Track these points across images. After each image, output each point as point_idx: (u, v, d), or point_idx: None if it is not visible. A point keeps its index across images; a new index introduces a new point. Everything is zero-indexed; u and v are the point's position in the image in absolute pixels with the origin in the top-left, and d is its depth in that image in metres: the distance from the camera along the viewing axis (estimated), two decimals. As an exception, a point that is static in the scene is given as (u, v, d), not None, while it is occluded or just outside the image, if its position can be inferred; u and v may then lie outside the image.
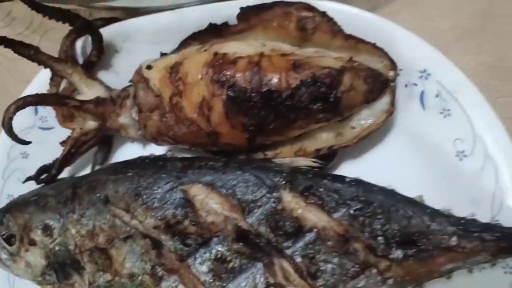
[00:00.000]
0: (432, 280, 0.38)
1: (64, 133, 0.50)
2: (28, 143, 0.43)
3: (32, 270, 0.46)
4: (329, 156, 0.42)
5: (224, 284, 0.39)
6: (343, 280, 0.38)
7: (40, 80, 0.51)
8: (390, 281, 0.38)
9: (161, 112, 0.42)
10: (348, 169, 0.42)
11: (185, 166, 0.42)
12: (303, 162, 0.41)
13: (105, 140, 0.51)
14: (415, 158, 0.41)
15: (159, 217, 0.40)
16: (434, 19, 0.41)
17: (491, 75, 0.41)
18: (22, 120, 0.51)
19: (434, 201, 0.39)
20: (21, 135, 0.50)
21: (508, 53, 0.41)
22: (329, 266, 0.38)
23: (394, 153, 0.41)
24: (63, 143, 0.50)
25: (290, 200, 0.38)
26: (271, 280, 0.38)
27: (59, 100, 0.42)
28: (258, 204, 0.39)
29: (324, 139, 0.42)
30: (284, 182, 0.39)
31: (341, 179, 0.40)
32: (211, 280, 0.39)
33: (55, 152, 0.50)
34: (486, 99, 0.40)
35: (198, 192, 0.40)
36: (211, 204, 0.40)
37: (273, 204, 0.38)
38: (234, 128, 0.39)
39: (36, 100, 0.41)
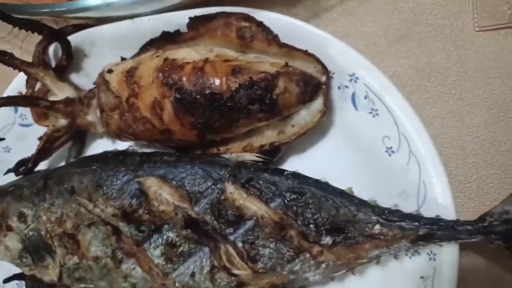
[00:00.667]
0: (362, 265, 0.42)
1: (42, 129, 0.54)
2: (2, 139, 0.48)
3: (10, 253, 0.51)
4: (274, 152, 0.46)
5: (176, 267, 0.44)
6: (280, 264, 0.42)
7: (20, 80, 0.56)
8: (323, 265, 0.42)
9: (120, 112, 0.46)
10: (291, 163, 0.46)
11: (142, 161, 0.46)
12: (249, 157, 0.45)
13: (79, 136, 0.56)
14: (350, 154, 0.44)
15: (117, 206, 0.44)
16: (369, 25, 0.44)
17: (421, 77, 0.44)
18: (4, 117, 0.56)
19: (366, 194, 0.42)
20: (3, 132, 0.57)
21: (435, 57, 0.44)
22: (267, 250, 0.42)
23: (331, 149, 0.45)
24: (40, 138, 0.55)
25: (232, 191, 0.43)
26: (216, 263, 0.43)
27: (30, 101, 0.47)
28: (204, 194, 0.43)
29: (269, 136, 0.46)
30: (228, 175, 0.43)
31: (280, 172, 0.44)
32: (163, 263, 0.44)
33: (35, 146, 0.54)
34: (418, 99, 0.44)
35: (152, 184, 0.44)
36: (163, 195, 0.44)
37: (217, 195, 0.42)
38: (183, 126, 0.44)
39: (8, 102, 0.45)
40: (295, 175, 0.43)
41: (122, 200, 0.44)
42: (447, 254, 0.39)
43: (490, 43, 0.42)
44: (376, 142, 0.42)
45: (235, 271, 0.43)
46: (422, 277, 0.41)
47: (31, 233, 0.48)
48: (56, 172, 0.49)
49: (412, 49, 0.44)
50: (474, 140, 0.43)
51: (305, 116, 0.44)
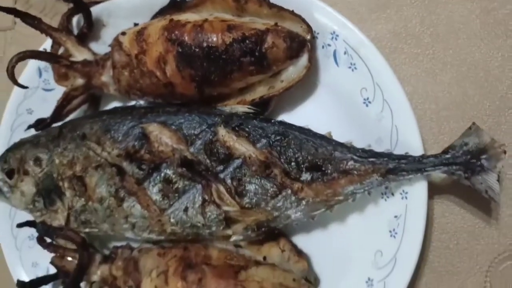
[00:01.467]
0: (340, 203, 0.45)
1: (61, 93, 0.61)
2: (25, 87, 0.54)
3: (25, 198, 0.56)
4: (264, 105, 0.51)
5: (171, 203, 0.48)
6: (264, 199, 0.46)
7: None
8: (304, 202, 0.46)
9: (130, 69, 0.52)
10: (280, 116, 0.51)
11: (147, 112, 0.52)
12: (241, 108, 0.50)
13: (94, 99, 0.62)
14: (331, 107, 0.49)
15: (122, 148, 0.50)
16: (352, -6, 0.50)
17: (398, 40, 0.49)
18: (29, 81, 0.63)
19: (345, 141, 0.47)
20: (28, 94, 0.63)
21: (411, 22, 0.49)
22: (253, 186, 0.46)
23: (315, 103, 0.50)
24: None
25: (224, 134, 0.47)
26: (207, 198, 0.47)
27: (53, 57, 0.53)
28: (199, 137, 0.48)
29: (260, 91, 0.51)
30: (221, 121, 0.48)
31: (268, 120, 0.49)
32: (160, 199, 0.49)
33: None
34: (395, 60, 0.49)
35: (154, 129, 0.50)
36: (163, 138, 0.49)
37: (210, 137, 0.47)
38: (184, 79, 0.49)
39: (33, 54, 0.52)
40: (281, 122, 0.48)
41: (126, 143, 0.50)
42: (417, 191, 0.43)
43: (459, 8, 0.47)
44: (355, 94, 0.47)
45: (225, 208, 0.47)
46: (395, 216, 0.45)
47: (44, 176, 0.54)
48: (70, 122, 0.55)
49: (390, 16, 0.50)
50: (446, 96, 0.48)
51: (292, 72, 0.49)
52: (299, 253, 0.50)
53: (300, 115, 0.50)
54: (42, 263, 0.61)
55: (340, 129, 0.47)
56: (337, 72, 0.48)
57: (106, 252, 0.58)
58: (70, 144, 0.52)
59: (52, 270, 0.59)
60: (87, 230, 0.55)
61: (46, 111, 0.61)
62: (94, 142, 0.51)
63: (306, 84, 0.49)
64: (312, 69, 0.48)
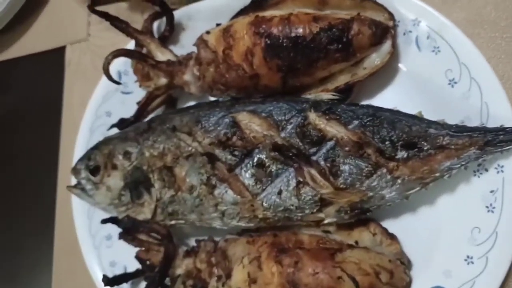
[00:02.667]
0: (436, 180, 0.46)
1: (140, 96, 0.64)
2: (119, 83, 0.57)
3: (111, 193, 0.58)
4: (347, 92, 0.53)
5: (264, 187, 0.50)
6: (359, 179, 0.47)
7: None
8: (399, 181, 0.46)
9: (215, 64, 0.55)
10: (363, 103, 0.53)
11: (233, 103, 0.54)
12: (325, 96, 0.52)
13: (171, 100, 0.65)
14: (416, 91, 0.51)
15: (214, 137, 0.52)
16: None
17: (474, 26, 0.51)
18: (109, 85, 0.66)
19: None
20: (107, 97, 0.67)
21: (485, 8, 0.51)
22: (347, 167, 0.47)
23: (399, 89, 0.52)
24: (139, 103, 0.65)
25: (314, 118, 0.49)
26: (300, 179, 0.48)
27: (142, 56, 0.57)
28: (290, 122, 0.50)
29: (342, 79, 0.53)
30: (309, 106, 0.50)
31: (355, 104, 0.51)
32: (253, 184, 0.50)
33: (132, 112, 0.64)
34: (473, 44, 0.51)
35: (243, 118, 0.52)
36: (253, 126, 0.51)
37: (301, 121, 0.49)
38: (270, 69, 0.52)
39: (127, 53, 0.56)
40: (369, 106, 0.50)
41: (218, 132, 0.52)
42: (514, 162, 0.43)
43: (532, -7, 0.50)
44: (439, 77, 0.49)
45: (318, 189, 0.48)
46: (492, 191, 0.45)
47: (133, 169, 0.56)
48: (158, 117, 0.58)
49: (464, 5, 0.52)
50: (526, 75, 0.49)
51: (376, 58, 0.51)
52: (391, 236, 0.50)
53: (383, 101, 0.52)
54: (119, 262, 0.63)
55: (425, 112, 0.49)
56: (419, 57, 0.50)
57: (186, 248, 0.59)
58: (160, 137, 0.55)
59: (129, 270, 0.61)
60: (173, 222, 0.56)
61: (124, 114, 0.65)
62: (185, 133, 0.53)
63: (389, 70, 0.51)
64: (395, 55, 0.51)
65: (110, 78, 0.55)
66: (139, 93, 0.63)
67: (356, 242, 0.50)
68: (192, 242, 0.59)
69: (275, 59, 0.51)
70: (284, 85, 0.54)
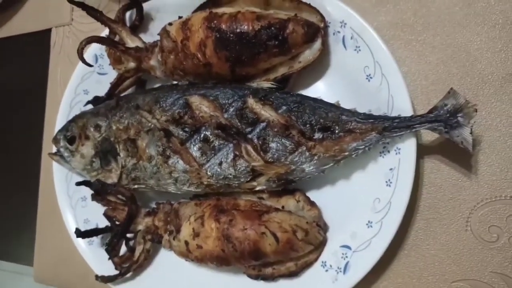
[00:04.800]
0: (345, 158, 0.56)
1: (113, 77, 0.73)
2: (90, 65, 0.66)
3: (84, 160, 0.68)
4: (285, 82, 0.62)
5: (208, 159, 0.60)
6: (284, 155, 0.57)
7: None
8: (316, 158, 0.56)
9: (175, 53, 0.64)
10: (297, 91, 0.62)
11: (189, 87, 0.64)
12: (266, 84, 0.61)
13: (141, 82, 0.74)
14: (340, 82, 0.60)
15: (170, 115, 0.61)
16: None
17: (396, 29, 0.60)
18: (86, 67, 0.75)
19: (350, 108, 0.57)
20: (85, 77, 0.76)
21: (406, 14, 0.60)
22: (275, 144, 0.57)
23: (327, 81, 0.61)
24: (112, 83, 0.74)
25: (252, 103, 0.59)
26: (238, 154, 0.58)
27: (113, 43, 0.65)
28: (232, 105, 0.59)
29: (281, 71, 0.62)
30: (249, 92, 0.59)
31: (287, 93, 0.60)
32: (200, 156, 0.60)
33: (106, 90, 0.73)
34: (393, 45, 0.59)
35: (195, 100, 0.61)
36: (203, 107, 0.60)
37: (241, 105, 0.59)
38: (220, 59, 0.60)
39: (99, 39, 0.65)
40: (298, 95, 0.59)
41: (173, 111, 0.61)
42: (407, 146, 0.53)
43: (446, 1, 0.58)
44: (359, 72, 0.58)
45: (252, 163, 0.57)
46: (391, 169, 0.55)
47: (103, 140, 0.65)
48: (125, 96, 0.67)
49: (389, 9, 0.61)
50: (434, 74, 0.58)
51: (308, 54, 0.60)
52: (312, 203, 0.60)
53: (314, 90, 0.61)
54: (92, 220, 0.73)
55: (346, 100, 0.58)
56: (345, 54, 0.59)
57: (147, 209, 0.69)
58: (126, 113, 0.64)
59: (101, 226, 0.71)
60: (136, 186, 0.66)
61: (99, 92, 0.74)
62: (146, 111, 0.63)
63: (319, 64, 0.60)
64: (325, 51, 0.60)
65: (83, 60, 0.64)
66: (113, 75, 0.73)
67: (283, 207, 0.60)
68: (153, 205, 0.70)
69: (224, 50, 0.60)
70: (232, 73, 0.63)
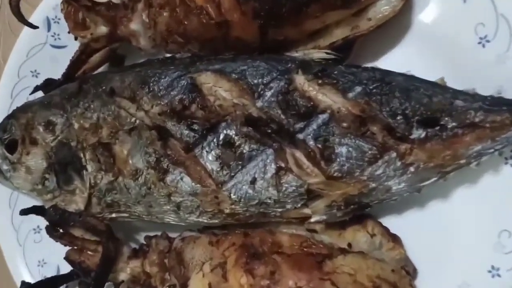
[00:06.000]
0: (459, 168, 0.35)
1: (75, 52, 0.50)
2: (36, 27, 0.43)
3: (32, 176, 0.45)
4: (346, 50, 0.40)
5: (233, 173, 0.37)
6: (360, 166, 0.35)
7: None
8: (412, 168, 0.35)
9: (171, 8, 0.41)
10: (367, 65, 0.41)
11: (194, 60, 0.41)
12: (317, 54, 0.39)
13: (116, 59, 0.51)
14: (436, 50, 0.39)
15: (166, 104, 0.39)
16: None
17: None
18: (34, 36, 0.52)
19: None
20: (32, 52, 0.52)
21: None
22: (344, 149, 0.35)
23: (412, 47, 0.40)
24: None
25: (302, 82, 0.37)
26: (282, 165, 0.36)
27: (70, -7, 0.42)
28: (269, 86, 0.37)
29: (340, 33, 0.41)
30: (296, 66, 0.38)
31: (357, 66, 0.38)
32: (218, 169, 0.38)
33: None
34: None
35: (207, 80, 0.39)
36: (220, 90, 0.38)
37: (285, 86, 0.37)
38: (244, 15, 0.38)
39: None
40: (375, 69, 0.38)
41: (171, 98, 0.39)
42: None
43: None
44: (467, 33, 0.37)
45: (308, 180, 0.36)
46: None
47: (59, 145, 0.42)
48: (93, 76, 0.44)
49: None
50: None
51: (384, 6, 0.38)
52: (393, 238, 0.40)
53: (393, 63, 0.39)
54: (51, 261, 0.51)
55: (448, 79, 0.37)
56: (441, 5, 0.38)
57: (134, 245, 0.47)
58: (94, 102, 0.41)
59: (64, 270, 0.49)
60: (113, 215, 0.44)
61: (55, 74, 0.51)
62: (126, 98, 0.40)
63: (401, 23, 0.39)
64: (408, 3, 0.39)
65: (21, 19, 0.41)
66: (75, 47, 0.49)
67: (350, 245, 0.39)
68: (141, 238, 0.47)
69: (251, 0, 0.38)
70: (263, 38, 0.41)
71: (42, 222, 0.51)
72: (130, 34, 0.46)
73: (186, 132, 0.38)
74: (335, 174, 0.36)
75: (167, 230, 0.45)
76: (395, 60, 0.41)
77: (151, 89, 0.39)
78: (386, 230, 0.40)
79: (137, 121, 0.39)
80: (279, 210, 0.37)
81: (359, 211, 0.38)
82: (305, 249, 0.39)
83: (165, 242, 0.46)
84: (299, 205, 0.37)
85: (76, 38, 0.50)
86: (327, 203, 0.37)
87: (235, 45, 0.42)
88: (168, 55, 0.46)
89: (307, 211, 0.38)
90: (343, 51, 0.41)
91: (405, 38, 0.40)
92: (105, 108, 0.40)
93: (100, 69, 0.51)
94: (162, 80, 0.39)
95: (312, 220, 0.37)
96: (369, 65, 0.41)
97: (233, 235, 0.41)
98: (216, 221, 0.40)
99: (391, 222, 0.41)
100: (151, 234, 0.46)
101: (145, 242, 0.47)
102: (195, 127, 0.37)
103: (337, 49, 0.40)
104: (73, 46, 0.50)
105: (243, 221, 0.40)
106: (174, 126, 0.38)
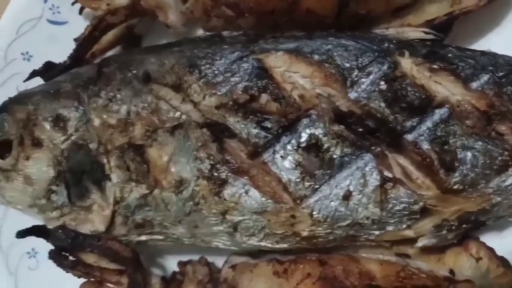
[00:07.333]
0: None
1: (78, 29, 0.39)
2: None
3: (32, 188, 0.34)
4: (443, 30, 0.33)
5: (317, 185, 0.29)
6: (486, 176, 0.28)
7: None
8: (550, 179, 0.28)
9: (220, -30, 0.32)
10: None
11: (253, 39, 0.31)
12: (413, 33, 0.31)
13: (133, 40, 0.41)
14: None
15: (225, 93, 0.29)
16: None
17: None
18: (27, 7, 0.41)
19: None
20: (24, 28, 0.41)
21: None
22: (469, 154, 0.27)
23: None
24: (78, 39, 0.40)
25: (410, 66, 0.28)
26: (388, 174, 0.28)
27: None
28: (366, 71, 0.28)
29: (434, 11, 0.33)
30: (396, 47, 0.29)
31: (469, 49, 0.30)
32: (298, 180, 0.29)
33: (67, 53, 0.39)
34: None
35: (277, 63, 0.30)
36: (296, 77, 0.29)
37: (388, 71, 0.28)
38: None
39: None
40: (494, 53, 0.30)
41: (232, 85, 0.29)
42: None
43: None
44: None
45: (419, 192, 0.28)
46: None
47: (72, 147, 0.32)
48: (115, 58, 0.34)
49: None
50: None
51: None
52: (503, 262, 0.32)
53: (504, 41, 0.32)
54: None
55: None
56: None
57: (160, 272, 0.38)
58: (121, 91, 0.31)
59: None
60: (143, 238, 0.34)
61: (53, 57, 0.40)
62: (168, 86, 0.30)
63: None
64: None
65: None
66: (78, 24, 0.39)
67: (452, 272, 0.32)
68: (171, 264, 0.38)
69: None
70: (341, 12, 0.32)
71: (37, 243, 0.41)
72: (156, 6, 0.36)
73: (255, 131, 0.28)
74: (455, 187, 0.28)
75: (200, 252, 0.37)
76: (504, 43, 0.33)
77: (202, 73, 0.29)
78: (492, 252, 0.33)
79: (183, 116, 0.30)
80: (376, 232, 0.29)
81: (472, 231, 0.31)
82: (404, 281, 0.31)
83: (204, 270, 0.37)
84: (404, 226, 0.29)
85: (81, 12, 0.40)
86: (437, 222, 0.29)
87: (302, 21, 0.33)
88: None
89: (408, 232, 0.30)
90: (440, 29, 0.33)
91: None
92: (138, 98, 0.30)
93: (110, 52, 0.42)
94: (217, 62, 0.29)
95: (419, 244, 0.30)
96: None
97: (305, 262, 0.32)
98: (285, 245, 0.31)
99: (496, 242, 0.33)
100: (183, 258, 0.37)
101: (178, 270, 0.38)
102: (267, 124, 0.28)
103: (434, 28, 0.33)
104: (75, 23, 0.40)
105: (320, 245, 0.32)
106: (238, 123, 0.28)
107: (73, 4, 0.40)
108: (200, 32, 0.38)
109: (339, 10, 0.33)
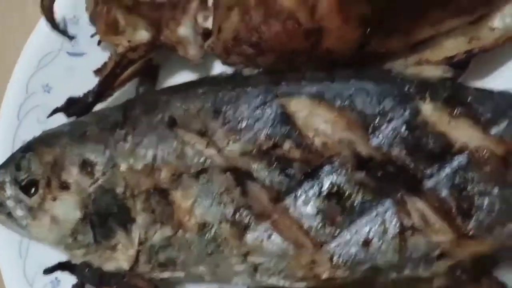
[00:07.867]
0: None
1: (98, 60, 0.39)
2: (70, 36, 0.32)
3: (59, 228, 0.34)
4: (460, 67, 0.33)
5: (337, 231, 0.29)
6: (502, 221, 0.28)
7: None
8: None
9: (243, 9, 0.31)
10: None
11: (275, 80, 0.32)
12: (431, 71, 0.31)
13: (150, 71, 0.41)
14: None
15: (248, 139, 0.30)
16: None
17: None
18: (46, 41, 0.41)
19: None
20: (43, 62, 0.41)
21: None
22: (486, 201, 0.28)
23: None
24: (98, 71, 0.40)
25: (430, 113, 0.29)
26: (407, 223, 0.28)
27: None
28: (388, 118, 0.29)
29: (451, 47, 0.33)
30: (417, 90, 0.29)
31: (488, 91, 0.31)
32: (319, 226, 0.29)
33: (86, 85, 0.39)
34: None
35: (299, 107, 0.30)
36: (318, 122, 0.30)
37: (410, 117, 0.29)
38: (346, 22, 0.29)
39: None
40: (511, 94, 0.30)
41: (256, 131, 0.29)
42: None
43: None
44: None
45: (435, 238, 0.28)
46: None
47: (99, 191, 0.32)
48: (140, 100, 0.34)
49: None
50: None
51: (514, 14, 0.31)
52: None
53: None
54: None
55: None
56: None
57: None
58: (147, 137, 0.31)
59: None
60: (165, 275, 0.34)
61: (71, 88, 0.40)
62: (194, 132, 0.30)
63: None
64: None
65: (50, 17, 0.30)
66: (97, 55, 0.39)
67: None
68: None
69: (360, 3, 0.29)
70: (359, 50, 0.32)
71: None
72: (177, 41, 0.36)
73: (278, 178, 0.29)
74: (470, 233, 0.28)
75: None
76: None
77: (226, 120, 0.30)
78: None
79: (207, 161, 0.30)
80: (393, 275, 0.30)
81: (487, 269, 0.32)
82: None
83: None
84: (420, 269, 0.29)
85: (99, 43, 0.40)
86: (450, 263, 0.30)
87: (320, 58, 0.34)
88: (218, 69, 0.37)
89: (424, 273, 0.31)
90: (457, 67, 0.34)
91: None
92: (164, 144, 0.31)
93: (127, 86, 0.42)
94: (241, 108, 0.30)
95: (435, 285, 0.30)
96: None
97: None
98: (302, 285, 0.32)
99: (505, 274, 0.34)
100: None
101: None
102: (291, 171, 0.29)
103: (453, 65, 0.33)
104: (92, 54, 0.40)
105: (337, 286, 0.32)
106: (262, 170, 0.29)
107: (92, 36, 0.40)
108: (218, 64, 0.40)
109: (358, 49, 0.33)
